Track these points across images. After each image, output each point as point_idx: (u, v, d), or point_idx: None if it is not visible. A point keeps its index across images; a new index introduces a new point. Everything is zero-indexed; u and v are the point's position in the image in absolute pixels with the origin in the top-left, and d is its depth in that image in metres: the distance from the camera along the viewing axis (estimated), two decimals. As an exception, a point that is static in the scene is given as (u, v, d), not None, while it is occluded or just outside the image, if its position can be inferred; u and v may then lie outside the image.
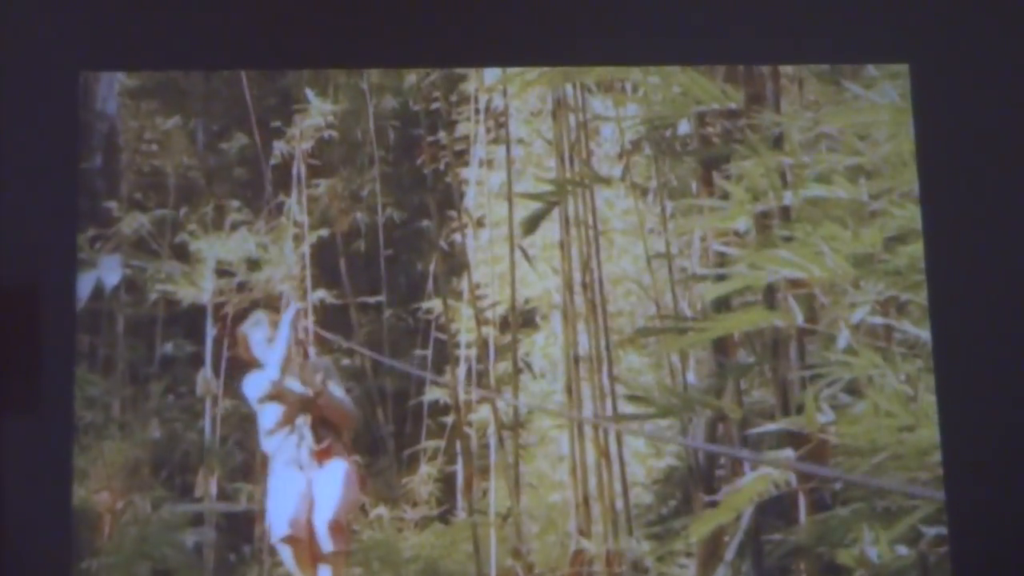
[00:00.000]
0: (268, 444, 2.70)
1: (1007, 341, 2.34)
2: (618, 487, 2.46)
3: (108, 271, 2.43)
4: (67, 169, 2.38)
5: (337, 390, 2.73)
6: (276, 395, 2.73)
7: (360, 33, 2.43)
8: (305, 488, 2.70)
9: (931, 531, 2.40)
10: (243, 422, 2.46)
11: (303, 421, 2.71)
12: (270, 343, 2.69)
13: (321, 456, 2.71)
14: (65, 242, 2.32)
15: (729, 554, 2.41)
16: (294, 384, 2.72)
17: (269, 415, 2.71)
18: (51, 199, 2.36)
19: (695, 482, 2.45)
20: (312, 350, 2.71)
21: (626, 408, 2.49)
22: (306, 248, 2.53)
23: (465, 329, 2.50)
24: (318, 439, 2.71)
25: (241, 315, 2.69)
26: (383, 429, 2.45)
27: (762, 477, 2.44)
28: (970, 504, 2.32)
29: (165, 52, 2.45)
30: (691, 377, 2.48)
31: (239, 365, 2.62)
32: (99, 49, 2.40)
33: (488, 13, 2.44)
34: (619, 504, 2.44)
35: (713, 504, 2.45)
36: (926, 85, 2.43)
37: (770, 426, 2.44)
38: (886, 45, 2.48)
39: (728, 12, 2.46)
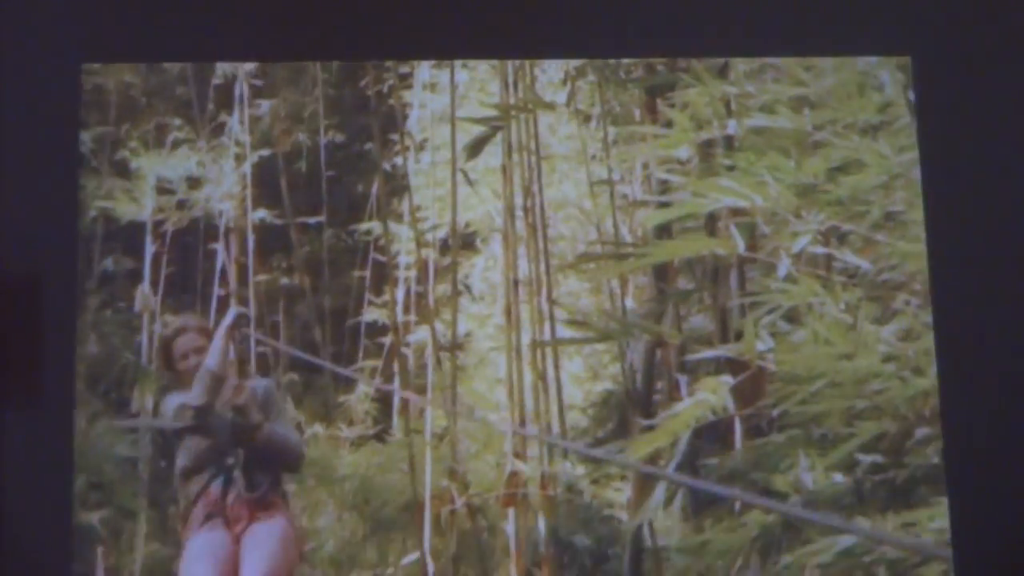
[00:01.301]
0: (186, 489, 2.47)
1: (1008, 335, 2.34)
2: (555, 410, 2.44)
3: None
4: (68, 161, 2.37)
5: (280, 423, 2.49)
6: (200, 426, 2.48)
7: (361, 24, 2.41)
8: (229, 551, 2.43)
9: (867, 459, 2.40)
10: (179, 339, 2.44)
11: (233, 461, 2.47)
12: (197, 357, 2.51)
13: (254, 509, 2.45)
14: (66, 234, 2.31)
15: (663, 481, 2.41)
16: (224, 412, 2.49)
17: (189, 450, 2.49)
18: (52, 191, 2.35)
19: (632, 406, 2.44)
20: (253, 368, 2.56)
21: (565, 332, 2.48)
22: (247, 167, 2.51)
23: (405, 251, 2.49)
24: (251, 485, 2.46)
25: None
26: (320, 348, 2.42)
27: (700, 402, 2.44)
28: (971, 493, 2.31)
29: (165, 44, 2.45)
30: (630, 303, 2.48)
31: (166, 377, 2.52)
32: (99, 40, 2.39)
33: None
34: (555, 427, 2.43)
35: (650, 428, 2.44)
36: (928, 77, 2.43)
37: (709, 352, 2.44)
38: (888, 37, 2.49)
39: (728, 4, 2.44)
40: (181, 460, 2.45)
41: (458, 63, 2.57)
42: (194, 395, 2.46)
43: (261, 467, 2.45)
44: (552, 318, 2.46)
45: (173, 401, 2.48)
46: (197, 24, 2.39)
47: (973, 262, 2.36)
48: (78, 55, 2.39)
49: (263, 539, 2.39)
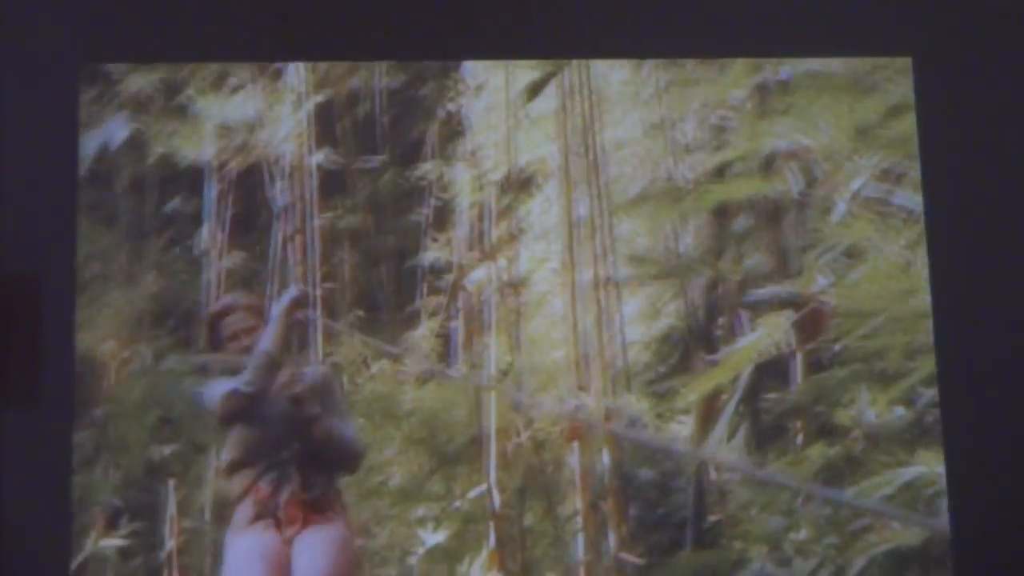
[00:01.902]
0: (229, 484, 2.36)
1: (1009, 333, 2.35)
2: (617, 345, 2.46)
3: (115, 129, 2.44)
4: (67, 159, 2.39)
5: (339, 417, 2.38)
6: (248, 416, 2.36)
7: (362, 22, 2.43)
8: (281, 555, 2.30)
9: (928, 392, 2.40)
10: (245, 279, 2.46)
11: (287, 457, 2.37)
12: (248, 338, 2.44)
13: (309, 511, 2.33)
14: (66, 232, 2.34)
15: (726, 415, 2.42)
16: (279, 401, 2.39)
17: (238, 441, 2.38)
18: (51, 189, 2.37)
19: (694, 342, 2.45)
20: (314, 355, 2.46)
21: (624, 271, 2.49)
22: (305, 112, 2.53)
23: (463, 192, 2.50)
24: (307, 484, 2.34)
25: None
26: (383, 288, 2.44)
27: (761, 338, 2.44)
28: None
29: (165, 43, 2.48)
30: (688, 243, 2.49)
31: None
32: (99, 40, 2.42)
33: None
34: (617, 362, 2.45)
35: (712, 364, 2.45)
36: (930, 78, 2.44)
37: (769, 289, 2.45)
38: (890, 38, 2.51)
39: (730, 5, 2.47)
40: (228, 452, 2.33)
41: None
42: (245, 380, 2.34)
43: (317, 465, 2.33)
44: (610, 257, 2.47)
45: (220, 387, 2.36)
46: (198, 24, 2.44)
47: (974, 262, 2.38)
48: (77, 55, 2.41)
49: (319, 545, 2.27)
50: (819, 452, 2.39)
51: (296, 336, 2.46)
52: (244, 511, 2.29)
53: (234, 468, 2.32)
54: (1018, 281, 2.38)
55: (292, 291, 2.43)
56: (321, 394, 2.37)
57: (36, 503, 2.23)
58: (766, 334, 2.44)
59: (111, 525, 2.28)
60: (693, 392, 2.42)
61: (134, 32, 2.42)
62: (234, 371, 2.43)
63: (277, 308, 2.41)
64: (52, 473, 2.25)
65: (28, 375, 2.20)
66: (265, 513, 2.27)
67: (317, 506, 2.28)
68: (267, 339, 2.37)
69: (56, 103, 2.40)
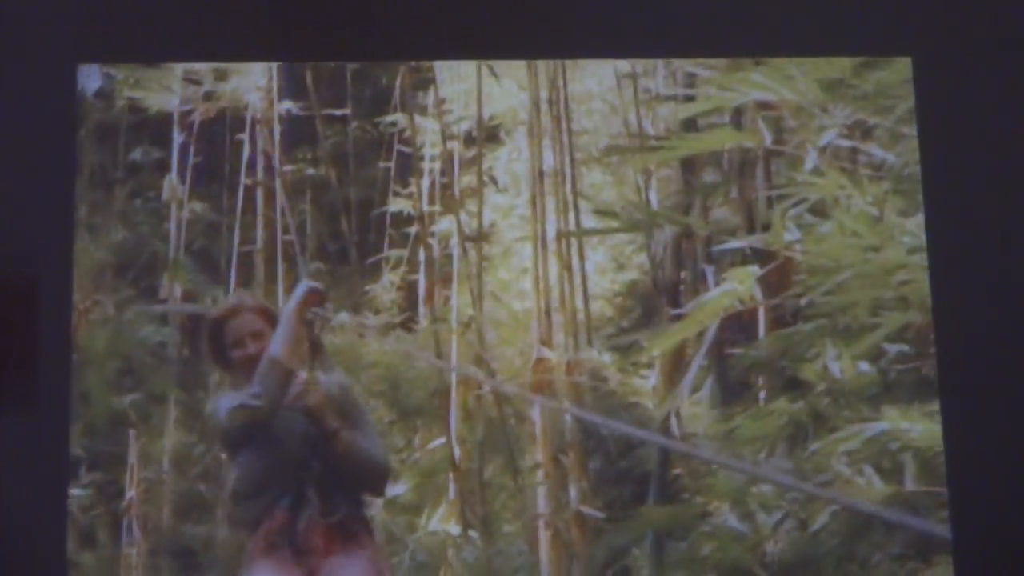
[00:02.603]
0: (241, 512, 2.15)
1: (1009, 333, 2.33)
2: (580, 299, 2.44)
3: (88, 78, 2.42)
4: (64, 162, 2.38)
5: (362, 430, 2.19)
6: (258, 433, 2.14)
7: (357, 24, 2.40)
8: None
9: (893, 349, 2.39)
10: (208, 228, 2.44)
11: (305, 478, 2.17)
12: (256, 344, 2.26)
13: (332, 539, 2.12)
14: (63, 235, 2.33)
15: (692, 370, 2.41)
16: (293, 415, 2.20)
17: (248, 463, 2.18)
18: (48, 193, 2.36)
19: (659, 295, 2.44)
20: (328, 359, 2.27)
21: (590, 223, 2.48)
22: (273, 62, 2.51)
23: (430, 143, 2.49)
24: (328, 509, 2.15)
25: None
26: (347, 238, 2.43)
27: (727, 292, 2.43)
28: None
29: (160, 45, 2.47)
30: (654, 195, 2.47)
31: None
32: (94, 41, 2.40)
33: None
34: (581, 316, 2.43)
35: (678, 318, 2.44)
36: (929, 78, 2.45)
37: (736, 243, 2.43)
38: (889, 38, 2.50)
39: (730, 4, 2.43)
40: (236, 474, 2.14)
41: None
42: (254, 392, 2.13)
43: (340, 486, 2.15)
44: (577, 209, 2.45)
45: (227, 401, 2.16)
46: (193, 24, 2.42)
47: (974, 262, 2.37)
48: (73, 56, 2.40)
49: None
50: (784, 407, 2.37)
51: (310, 338, 2.26)
52: (257, 541, 2.09)
53: (244, 492, 2.12)
54: (1019, 278, 2.34)
55: (304, 286, 2.25)
56: (339, 405, 2.19)
57: (32, 507, 2.22)
58: (732, 288, 2.42)
59: (72, 475, 2.27)
60: (659, 346, 2.41)
61: (132, 33, 2.42)
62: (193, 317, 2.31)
63: (288, 307, 2.21)
64: (48, 476, 2.24)
65: (25, 379, 2.17)
66: (281, 543, 2.07)
67: (341, 532, 2.10)
68: (277, 343, 2.17)
69: (53, 104, 2.40)
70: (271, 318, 2.26)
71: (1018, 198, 2.35)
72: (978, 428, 2.26)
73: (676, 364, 2.41)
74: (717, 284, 2.42)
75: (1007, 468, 2.25)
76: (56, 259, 2.29)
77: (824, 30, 2.42)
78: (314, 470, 2.12)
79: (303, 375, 2.19)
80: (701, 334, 2.41)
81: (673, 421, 2.39)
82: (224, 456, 2.23)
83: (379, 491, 2.19)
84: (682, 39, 2.43)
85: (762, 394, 2.38)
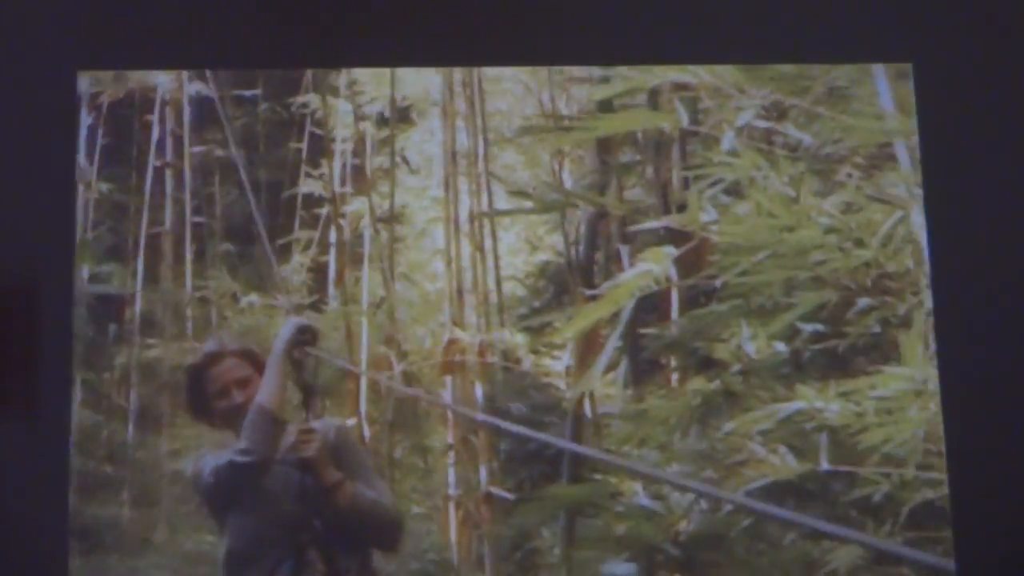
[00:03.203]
0: None
1: (1009, 338, 2.32)
2: (492, 280, 2.43)
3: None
4: (64, 169, 2.37)
5: (366, 479, 2.00)
6: (250, 493, 1.93)
7: (352, 30, 2.39)
8: None
9: (808, 328, 2.38)
10: (116, 209, 2.42)
11: (307, 540, 1.96)
12: (242, 392, 2.09)
13: None
14: (63, 243, 2.30)
15: (607, 350, 2.39)
16: (288, 469, 2.00)
17: (241, 526, 1.96)
18: (49, 200, 2.35)
19: (573, 276, 2.42)
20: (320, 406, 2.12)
21: (504, 204, 2.46)
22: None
23: (342, 124, 2.47)
24: (334, 571, 1.94)
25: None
26: (257, 219, 2.40)
27: (643, 272, 2.42)
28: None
29: (161, 52, 2.45)
30: (567, 176, 2.45)
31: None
32: (96, 48, 2.39)
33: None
34: (493, 297, 2.42)
35: (593, 298, 2.42)
36: (930, 84, 2.43)
37: (653, 223, 2.42)
38: (890, 44, 2.49)
39: (731, 11, 2.45)
40: (228, 541, 1.94)
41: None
42: (243, 447, 1.96)
43: (346, 543, 1.99)
44: (490, 190, 2.44)
45: (212, 459, 1.99)
46: (192, 32, 2.42)
47: (975, 269, 2.38)
48: (73, 63, 2.39)
49: None
50: (698, 387, 2.35)
51: (300, 382, 2.10)
52: None
53: (239, 560, 1.93)
54: (1020, 286, 2.34)
55: (292, 324, 2.10)
56: (339, 453, 2.02)
57: (33, 512, 2.19)
58: (648, 269, 2.41)
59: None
60: (573, 327, 2.39)
61: (130, 39, 2.41)
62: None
63: (275, 348, 2.04)
64: (49, 483, 2.20)
65: (25, 386, 2.14)
66: None
67: None
68: (266, 391, 2.01)
69: (53, 112, 2.39)
70: (257, 362, 2.12)
71: (1020, 203, 2.33)
72: (979, 429, 2.24)
73: (590, 345, 2.39)
74: (632, 265, 2.39)
75: (1008, 469, 2.23)
76: (56, 266, 2.28)
77: (823, 36, 2.40)
78: (315, 529, 1.95)
79: (295, 424, 2.02)
80: (616, 315, 2.39)
81: (587, 402, 2.36)
82: (214, 520, 2.05)
83: (392, 545, 2.03)
84: (675, 42, 2.41)
85: (676, 374, 2.35)
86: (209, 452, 2.04)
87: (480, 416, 2.26)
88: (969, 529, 2.23)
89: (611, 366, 2.37)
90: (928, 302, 2.36)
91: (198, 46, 2.33)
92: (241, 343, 2.16)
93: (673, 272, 2.40)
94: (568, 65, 2.40)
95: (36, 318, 2.13)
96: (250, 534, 1.95)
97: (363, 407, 2.33)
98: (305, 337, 2.12)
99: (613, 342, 2.37)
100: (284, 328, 2.12)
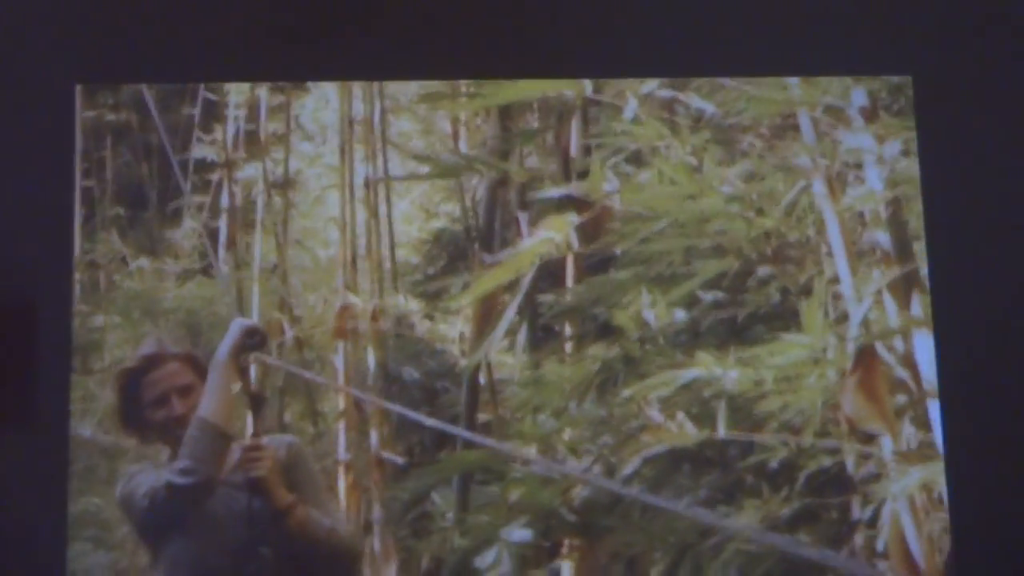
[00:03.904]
0: None
1: (1010, 349, 2.31)
2: (386, 245, 2.40)
3: None
4: (63, 182, 2.35)
5: (319, 502, 1.80)
6: (190, 518, 1.71)
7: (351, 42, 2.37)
8: None
9: (708, 296, 2.36)
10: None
11: (255, 570, 1.75)
12: (183, 402, 1.89)
13: None
14: (62, 255, 2.29)
15: (507, 316, 2.36)
16: (234, 491, 1.78)
17: (178, 557, 1.74)
18: (47, 213, 2.32)
19: (471, 242, 2.40)
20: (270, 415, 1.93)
21: (399, 169, 2.44)
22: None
23: (235, 90, 2.44)
24: None
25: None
26: (147, 183, 2.36)
27: (544, 240, 2.39)
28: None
29: (161, 65, 2.43)
30: (464, 144, 2.43)
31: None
32: (94, 61, 2.39)
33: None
34: (387, 264, 2.39)
35: (492, 264, 2.40)
36: (929, 98, 2.43)
37: (554, 191, 2.40)
38: (889, 58, 2.48)
39: (729, 24, 2.45)
40: (165, 572, 1.74)
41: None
42: (183, 467, 1.77)
43: (299, 573, 1.80)
44: (385, 157, 2.41)
45: (146, 478, 1.81)
46: (193, 45, 2.41)
47: (975, 284, 2.38)
48: (72, 77, 2.38)
49: None
50: (596, 353, 2.33)
51: (248, 392, 1.91)
52: None
53: None
54: (1021, 297, 2.34)
55: (239, 325, 1.95)
56: (290, 473, 1.84)
57: (31, 527, 2.12)
58: (549, 236, 2.38)
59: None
60: (472, 292, 2.36)
61: (130, 53, 2.41)
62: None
63: (219, 353, 1.86)
64: (48, 499, 2.13)
65: (24, 401, 2.12)
66: None
67: None
68: (209, 402, 1.82)
69: (51, 126, 2.37)
70: (200, 368, 1.95)
71: (1020, 217, 2.31)
72: (980, 431, 2.22)
73: (487, 311, 2.37)
74: (531, 233, 2.37)
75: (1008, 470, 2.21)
76: (55, 281, 2.26)
77: (821, 49, 2.40)
78: (264, 558, 1.77)
79: (243, 440, 1.83)
80: (515, 281, 2.36)
81: (482, 368, 2.33)
82: (147, 549, 1.84)
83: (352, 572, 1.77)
84: (672, 56, 2.40)
85: (573, 341, 2.33)
86: (141, 471, 1.87)
87: (369, 399, 2.21)
88: (968, 527, 2.18)
89: (509, 332, 2.34)
90: (828, 271, 2.33)
91: (200, 59, 2.29)
92: (183, 346, 1.99)
93: (575, 239, 2.37)
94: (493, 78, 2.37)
95: (35, 335, 2.10)
96: (189, 564, 1.77)
97: (252, 373, 2.28)
98: (253, 341, 1.97)
99: (513, 308, 2.34)
100: (229, 331, 1.96)
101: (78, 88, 2.34)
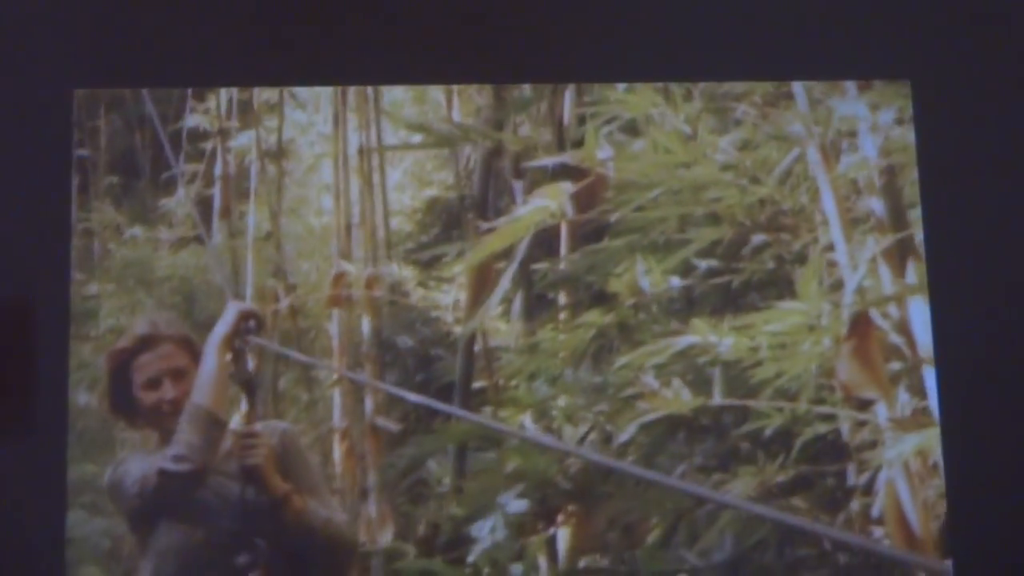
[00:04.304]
0: None
1: (1009, 356, 2.30)
2: (380, 214, 2.39)
3: None
4: (60, 186, 2.34)
5: (316, 492, 1.73)
6: (183, 507, 1.64)
7: (350, 47, 2.36)
8: None
9: (703, 264, 2.36)
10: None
11: (249, 562, 1.69)
12: (176, 386, 1.82)
13: None
14: (58, 260, 2.26)
15: (503, 284, 2.36)
16: (226, 480, 1.70)
17: (169, 547, 1.67)
18: (44, 216, 2.31)
19: (465, 211, 2.39)
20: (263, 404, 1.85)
21: (393, 137, 2.43)
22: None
23: (230, 59, 2.43)
24: None
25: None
26: (140, 153, 2.36)
27: (539, 208, 2.39)
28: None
29: (159, 69, 2.42)
30: (456, 113, 2.43)
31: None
32: (92, 67, 2.38)
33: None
34: (381, 233, 2.38)
35: (487, 232, 2.39)
36: (928, 103, 2.43)
37: (549, 159, 2.39)
38: (888, 62, 2.47)
39: (728, 29, 2.44)
40: (154, 564, 1.67)
41: None
42: (177, 453, 1.70)
43: (294, 567, 1.72)
44: (379, 125, 2.40)
45: (138, 465, 1.74)
46: (191, 50, 2.40)
47: (975, 289, 2.37)
48: (70, 81, 2.37)
49: None
50: (592, 320, 2.33)
51: (242, 377, 1.86)
52: None
53: None
54: (1020, 301, 2.34)
55: (234, 309, 1.89)
56: (284, 462, 1.78)
57: (28, 533, 2.09)
58: (544, 204, 2.38)
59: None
60: (468, 260, 2.36)
61: (128, 58, 2.40)
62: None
63: (213, 337, 1.79)
64: (45, 502, 2.10)
65: (21, 404, 2.09)
66: None
67: None
68: (204, 387, 1.75)
69: (49, 129, 2.35)
70: (194, 352, 1.89)
71: (1019, 221, 2.31)
72: (975, 398, 2.22)
73: (482, 279, 2.36)
74: (527, 201, 2.37)
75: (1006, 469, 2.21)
76: (52, 283, 2.23)
77: (821, 54, 2.40)
78: (258, 549, 1.71)
79: (237, 425, 1.75)
80: (511, 249, 2.36)
81: (477, 336, 2.33)
82: (136, 539, 1.78)
83: (345, 569, 1.78)
84: (672, 60, 2.39)
85: (568, 309, 2.33)
86: (130, 457, 1.81)
87: (378, 384, 2.21)
88: (963, 494, 2.18)
89: (504, 300, 2.33)
90: (823, 239, 2.33)
91: (198, 63, 2.28)
92: (178, 327, 1.93)
93: (570, 207, 2.37)
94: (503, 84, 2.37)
95: (32, 337, 2.08)
96: (180, 556, 1.71)
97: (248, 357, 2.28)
98: (249, 324, 1.92)
99: (509, 275, 2.33)
100: (225, 314, 1.90)
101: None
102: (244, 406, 1.93)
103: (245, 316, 1.92)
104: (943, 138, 2.40)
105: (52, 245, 2.28)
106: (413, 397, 2.22)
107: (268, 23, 2.34)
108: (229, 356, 1.88)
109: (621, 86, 2.44)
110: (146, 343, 1.89)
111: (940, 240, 2.35)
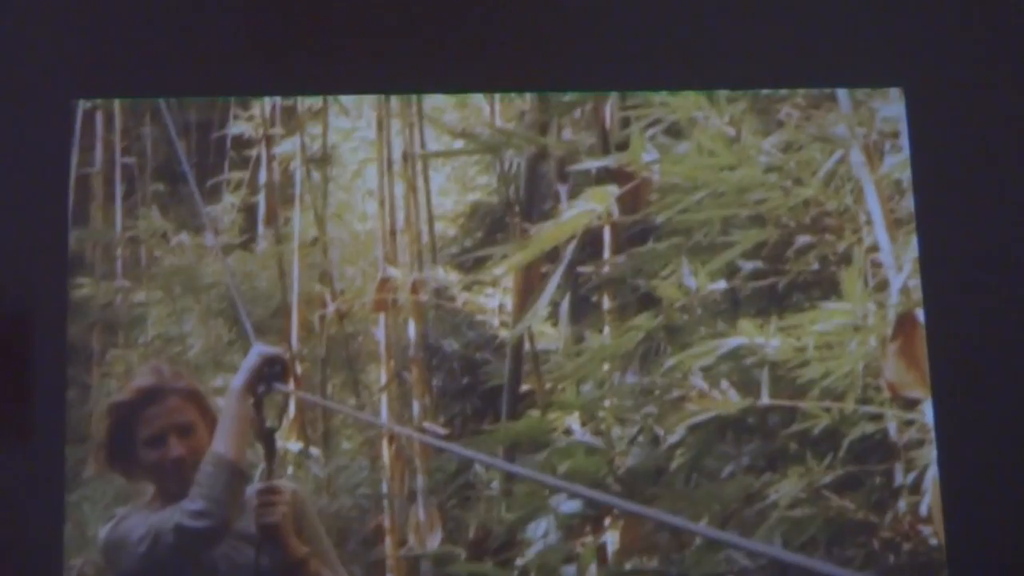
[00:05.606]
0: None
1: (1005, 362, 2.30)
2: (424, 219, 2.40)
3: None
4: (59, 198, 2.35)
5: (324, 555, 1.58)
6: (195, 569, 1.49)
7: (350, 56, 2.37)
8: None
9: (748, 266, 2.36)
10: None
11: None
12: (183, 443, 1.71)
13: None
14: (57, 271, 2.27)
15: (550, 286, 2.36)
16: (240, 543, 1.56)
17: None
18: (43, 229, 2.31)
19: (511, 215, 2.40)
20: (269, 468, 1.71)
21: (436, 144, 2.44)
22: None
23: (274, 67, 2.44)
24: None
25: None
26: (186, 160, 2.37)
27: (585, 211, 2.39)
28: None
29: (160, 80, 2.43)
30: (498, 118, 2.43)
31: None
32: (93, 77, 2.39)
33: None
34: (425, 238, 2.39)
35: (532, 236, 2.40)
36: (920, 109, 2.43)
37: (593, 162, 2.40)
38: (879, 69, 2.47)
39: (721, 36, 2.46)
40: None
41: None
42: (196, 508, 1.55)
43: None
44: (422, 131, 2.41)
45: (139, 522, 1.58)
46: (191, 60, 2.40)
47: (969, 294, 2.38)
48: (72, 92, 2.37)
49: None
50: (639, 323, 2.32)
51: (258, 428, 1.73)
52: None
53: None
54: (1016, 306, 2.34)
55: (258, 350, 1.75)
56: (299, 523, 1.63)
57: (26, 539, 2.09)
58: (590, 208, 2.38)
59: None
60: (514, 263, 2.36)
61: (129, 68, 2.40)
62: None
63: (236, 383, 1.66)
64: (43, 509, 2.10)
65: (19, 411, 2.10)
66: None
67: None
68: (225, 437, 1.59)
69: (49, 140, 2.36)
70: (201, 406, 1.77)
71: (1014, 229, 2.30)
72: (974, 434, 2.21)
73: (528, 283, 2.36)
74: (572, 205, 2.37)
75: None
76: (50, 292, 2.24)
77: (813, 61, 2.40)
78: None
79: (257, 482, 1.62)
80: (556, 252, 2.36)
81: (525, 339, 2.33)
82: None
83: None
84: (664, 69, 2.40)
85: (615, 312, 2.33)
86: (130, 514, 1.68)
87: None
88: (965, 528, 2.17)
89: (550, 303, 2.33)
90: (867, 239, 2.32)
91: (199, 73, 2.29)
92: (185, 380, 1.80)
93: (616, 210, 2.37)
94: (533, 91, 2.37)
95: (30, 345, 2.10)
96: None
97: (294, 344, 2.28)
98: (274, 370, 1.80)
99: (556, 278, 2.33)
100: (247, 358, 1.78)
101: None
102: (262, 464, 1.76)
103: (269, 361, 1.81)
104: (936, 145, 2.38)
105: (51, 256, 2.30)
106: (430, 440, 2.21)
107: (286, 29, 2.34)
108: (251, 401, 1.74)
109: (662, 89, 2.43)
110: (150, 396, 1.78)
111: (932, 248, 2.34)
